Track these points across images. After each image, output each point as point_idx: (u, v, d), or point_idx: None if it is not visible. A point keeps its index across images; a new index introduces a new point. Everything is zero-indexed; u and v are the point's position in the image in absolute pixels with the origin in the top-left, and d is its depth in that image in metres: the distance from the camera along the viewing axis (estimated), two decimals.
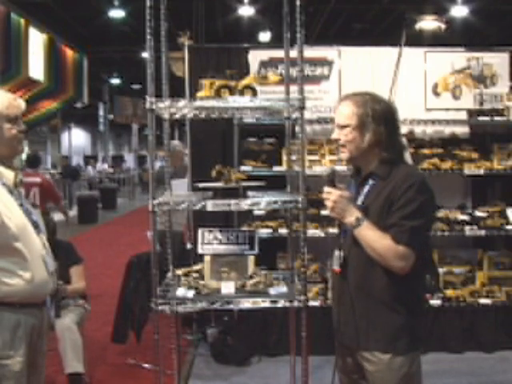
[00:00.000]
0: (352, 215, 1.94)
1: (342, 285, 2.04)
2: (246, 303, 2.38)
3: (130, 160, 28.95)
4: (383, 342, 1.95)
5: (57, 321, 3.41)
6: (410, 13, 9.95)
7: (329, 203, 1.98)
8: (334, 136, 2.07)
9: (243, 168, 4.00)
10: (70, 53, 13.84)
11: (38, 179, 5.64)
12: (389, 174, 1.97)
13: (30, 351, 2.15)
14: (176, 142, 6.03)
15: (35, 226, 2.19)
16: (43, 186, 5.60)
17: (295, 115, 2.58)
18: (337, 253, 2.07)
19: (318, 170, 4.02)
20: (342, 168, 3.60)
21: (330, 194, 1.98)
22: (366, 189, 2.02)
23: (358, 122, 2.00)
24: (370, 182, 2.02)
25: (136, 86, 23.64)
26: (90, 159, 22.89)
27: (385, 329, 1.95)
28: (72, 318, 3.60)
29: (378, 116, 2.00)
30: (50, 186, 5.80)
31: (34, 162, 6.09)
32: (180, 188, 4.43)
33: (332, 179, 2.01)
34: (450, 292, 4.17)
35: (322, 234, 4.02)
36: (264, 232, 3.97)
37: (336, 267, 2.07)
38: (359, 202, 2.02)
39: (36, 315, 2.17)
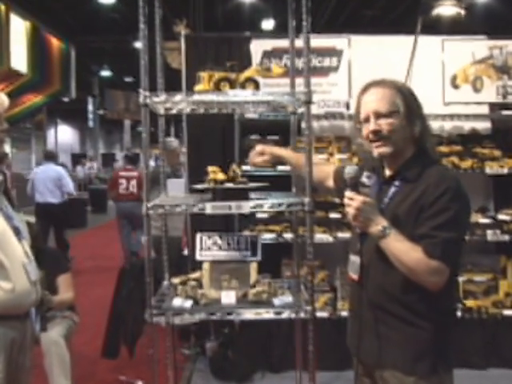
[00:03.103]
0: (378, 224, 1.86)
1: (360, 294, 2.00)
2: (248, 314, 2.40)
3: (121, 159, 28.98)
4: (404, 361, 1.89)
5: (42, 334, 3.44)
6: None
7: (351, 210, 1.88)
8: (372, 127, 1.93)
9: (245, 168, 4.02)
10: (55, 42, 13.86)
11: (135, 173, 7.98)
12: (419, 175, 1.90)
13: (11, 367, 2.15)
14: (172, 139, 6.10)
15: (16, 231, 2.19)
16: (139, 179, 7.75)
17: (301, 110, 2.59)
18: (353, 258, 2.03)
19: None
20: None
21: (353, 201, 1.88)
22: (392, 190, 1.96)
23: (407, 108, 1.91)
24: (397, 183, 1.96)
25: (128, 79, 23.69)
26: (80, 158, 22.91)
27: (407, 347, 1.89)
28: (59, 332, 3.62)
29: (420, 105, 1.94)
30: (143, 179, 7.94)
31: (133, 159, 8.93)
32: (176, 189, 4.43)
33: (355, 183, 1.91)
34: (470, 302, 4.17)
35: (331, 239, 4.03)
36: (267, 237, 3.99)
37: (353, 274, 2.03)
38: (384, 204, 1.96)
39: (17, 328, 2.18)
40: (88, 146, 32.05)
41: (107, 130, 35.43)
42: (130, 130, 25.93)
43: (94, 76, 23.38)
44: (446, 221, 1.81)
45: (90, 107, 25.10)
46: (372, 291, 1.96)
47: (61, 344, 3.56)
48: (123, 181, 7.97)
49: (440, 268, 1.81)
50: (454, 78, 4.44)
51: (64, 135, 32.78)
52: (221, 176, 2.52)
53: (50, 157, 9.06)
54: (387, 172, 2.04)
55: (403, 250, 1.83)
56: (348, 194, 1.91)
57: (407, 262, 1.82)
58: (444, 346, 1.93)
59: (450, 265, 1.82)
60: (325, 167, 2.53)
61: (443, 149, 4.26)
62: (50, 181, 8.47)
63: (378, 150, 1.97)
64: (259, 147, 2.56)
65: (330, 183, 2.42)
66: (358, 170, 1.95)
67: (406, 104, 1.92)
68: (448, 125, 4.39)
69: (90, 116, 25.42)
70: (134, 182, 7.99)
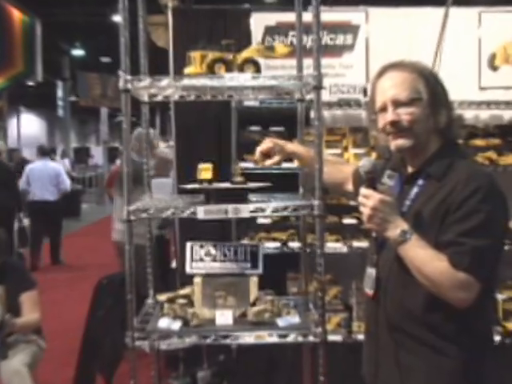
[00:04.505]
0: (396, 227, 1.87)
1: (377, 313, 2.02)
2: (248, 337, 2.42)
3: (97, 154, 29.01)
4: None
5: (2, 363, 3.46)
6: None
7: (366, 210, 1.90)
8: (390, 117, 1.96)
9: (243, 164, 4.04)
10: (17, 15, 13.81)
11: None
12: (445, 172, 1.92)
13: None
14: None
15: None
16: None
17: (310, 97, 2.61)
18: (369, 271, 2.05)
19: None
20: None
21: (369, 199, 1.90)
22: (415, 190, 1.98)
23: (431, 94, 1.95)
24: (420, 181, 1.98)
25: (105, 60, 23.70)
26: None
27: (432, 377, 1.90)
28: (22, 360, 3.63)
29: (446, 91, 1.98)
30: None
31: None
32: (162, 189, 4.47)
33: (372, 178, 1.93)
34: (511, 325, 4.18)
35: (345, 249, 4.04)
36: (270, 246, 4.00)
37: (368, 290, 2.05)
38: (405, 206, 1.98)
39: None
40: (57, 139, 32.10)
41: (80, 120, 35.48)
42: (108, 121, 25.90)
43: (64, 56, 23.39)
44: (476, 226, 1.81)
45: (60, 93, 25.09)
46: (390, 310, 1.97)
47: (24, 374, 3.57)
48: None
49: (468, 281, 1.81)
50: (492, 58, 4.43)
51: (28, 126, 32.81)
52: (209, 175, 2.53)
53: (46, 152, 10.44)
54: (409, 170, 2.06)
55: (425, 258, 1.83)
56: (363, 191, 1.92)
57: (429, 273, 1.83)
58: (478, 378, 1.93)
59: (480, 278, 1.82)
60: (343, 167, 2.54)
61: (478, 142, 4.26)
62: (48, 178, 9.77)
63: (395, 143, 1.99)
64: (268, 142, 2.55)
65: (349, 187, 2.43)
66: (376, 163, 1.97)
67: (430, 90, 1.95)
68: (484, 114, 4.39)
69: (60, 103, 25.41)
70: None
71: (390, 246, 1.94)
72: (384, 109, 1.99)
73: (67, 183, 10.35)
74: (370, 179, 1.93)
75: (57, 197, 10.01)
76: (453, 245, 1.83)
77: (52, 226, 9.93)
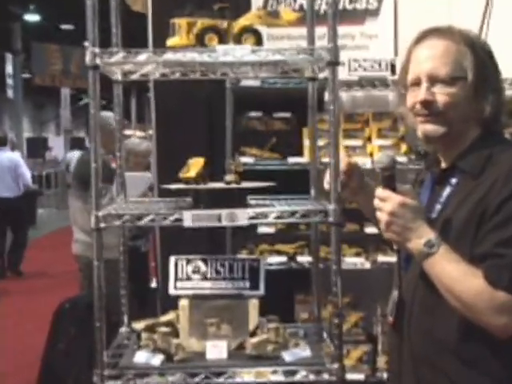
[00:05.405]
0: (420, 237, 1.86)
1: (400, 344, 2.03)
2: (246, 375, 2.43)
3: (57, 146, 29.03)
4: None
5: None
6: None
7: (383, 216, 1.91)
8: (423, 96, 1.95)
9: (242, 159, 4.04)
10: None
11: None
12: (483, 167, 1.91)
13: None
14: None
15: None
16: None
17: (323, 75, 2.62)
18: (394, 293, 2.07)
19: (359, 161, 4.03)
20: (401, 159, 3.61)
21: (386, 202, 1.90)
22: (447, 191, 1.98)
23: (478, 74, 1.92)
24: (453, 180, 1.98)
25: (67, 27, 23.70)
26: None
27: None
28: None
29: (498, 72, 1.97)
30: None
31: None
32: (134, 187, 4.46)
33: (390, 176, 1.94)
34: None
35: (367, 265, 4.04)
36: (274, 261, 4.01)
37: (389, 315, 2.07)
38: (435, 211, 1.98)
39: None
40: (6, 127, 32.07)
41: (36, 104, 35.49)
42: (71, 104, 25.92)
43: (14, 22, 23.38)
44: None
45: (10, 69, 25.09)
46: (415, 340, 1.97)
47: None
48: None
49: (509, 303, 1.79)
50: None
51: None
52: (197, 172, 2.53)
53: (3, 142, 10.73)
54: (442, 165, 2.06)
55: (456, 275, 1.82)
56: (379, 192, 1.93)
57: (461, 293, 1.81)
58: None
59: None
60: None
61: None
62: (5, 171, 10.38)
63: (423, 127, 1.98)
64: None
65: None
66: (395, 157, 1.97)
67: (478, 68, 1.93)
68: None
69: (10, 82, 25.40)
70: None
71: (415, 260, 1.94)
72: (417, 83, 1.99)
73: (27, 177, 10.81)
74: (388, 177, 1.94)
75: (19, 193, 10.65)
76: (490, 257, 1.81)
77: (15, 228, 10.49)
